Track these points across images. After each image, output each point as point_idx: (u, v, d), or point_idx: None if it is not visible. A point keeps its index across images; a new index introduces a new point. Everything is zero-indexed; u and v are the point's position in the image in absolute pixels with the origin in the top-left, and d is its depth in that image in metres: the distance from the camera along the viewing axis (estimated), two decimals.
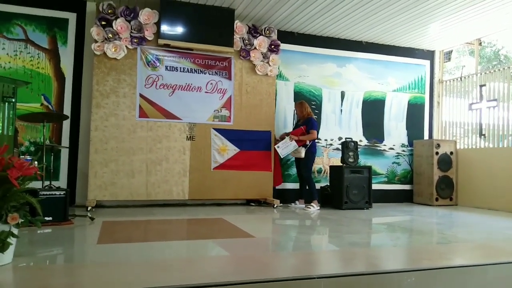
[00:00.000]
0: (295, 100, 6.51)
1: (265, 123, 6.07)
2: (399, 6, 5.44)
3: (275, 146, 5.87)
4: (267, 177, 6.01)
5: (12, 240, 2.43)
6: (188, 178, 5.60)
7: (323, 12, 5.73)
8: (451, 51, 7.42)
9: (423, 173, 6.91)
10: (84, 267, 2.61)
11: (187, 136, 5.62)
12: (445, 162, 6.76)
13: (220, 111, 5.87)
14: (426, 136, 7.34)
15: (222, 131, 5.85)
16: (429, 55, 7.41)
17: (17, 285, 2.26)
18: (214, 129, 5.81)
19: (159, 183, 5.43)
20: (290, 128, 6.45)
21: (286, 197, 6.16)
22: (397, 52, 7.16)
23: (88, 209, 4.81)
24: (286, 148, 5.76)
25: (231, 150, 5.89)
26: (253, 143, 6.00)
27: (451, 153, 6.81)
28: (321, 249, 3.52)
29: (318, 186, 5.93)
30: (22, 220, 2.47)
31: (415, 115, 7.29)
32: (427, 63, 7.40)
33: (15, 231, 2.43)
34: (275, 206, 5.74)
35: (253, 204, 6.07)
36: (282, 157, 5.93)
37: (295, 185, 6.33)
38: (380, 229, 4.73)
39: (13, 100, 2.75)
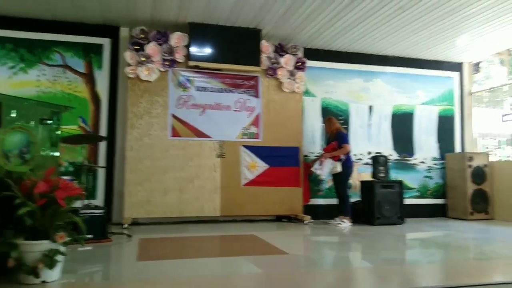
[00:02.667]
0: (322, 116, 6.55)
1: (293, 139, 6.12)
2: (426, 20, 5.44)
3: (312, 169, 5.89)
4: (296, 193, 6.03)
5: (60, 258, 2.56)
6: (219, 195, 5.68)
7: (348, 29, 5.80)
8: (480, 62, 7.31)
9: (457, 186, 6.76)
10: (129, 284, 2.71)
11: (217, 154, 5.73)
12: (479, 175, 6.60)
13: (248, 128, 5.97)
14: (457, 149, 7.21)
15: (251, 148, 5.93)
16: (457, 67, 7.32)
17: None
18: (244, 146, 5.90)
19: (191, 200, 5.54)
20: (318, 144, 6.48)
21: (317, 213, 6.14)
22: (425, 65, 7.12)
23: (124, 226, 4.94)
24: (323, 168, 5.75)
25: (261, 166, 5.95)
26: (282, 159, 6.05)
27: (485, 165, 6.65)
28: (355, 266, 3.51)
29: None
30: (69, 239, 2.60)
31: (445, 128, 7.19)
32: (455, 75, 7.31)
33: (62, 249, 2.56)
34: (305, 222, 5.74)
35: (284, 220, 6.08)
36: (324, 178, 5.94)
37: (325, 201, 6.32)
38: (415, 245, 4.67)
39: (50, 122, 2.91)
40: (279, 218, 6.16)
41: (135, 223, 5.36)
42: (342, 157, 5.75)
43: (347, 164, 5.80)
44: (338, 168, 5.71)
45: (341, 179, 5.79)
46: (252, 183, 5.88)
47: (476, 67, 7.37)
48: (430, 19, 5.42)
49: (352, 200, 6.30)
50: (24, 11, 5.27)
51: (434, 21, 5.50)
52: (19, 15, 5.40)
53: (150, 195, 5.37)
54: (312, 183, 6.38)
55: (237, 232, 4.97)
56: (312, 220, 5.84)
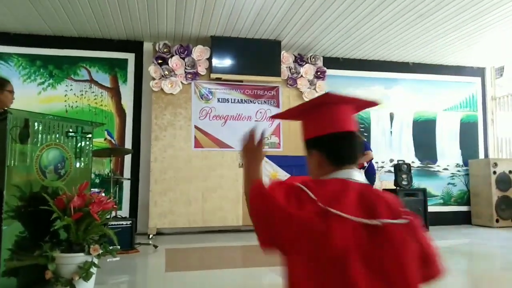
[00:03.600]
0: None
1: None
2: (447, 27, 5.42)
3: None
4: None
5: (94, 270, 2.66)
6: (242, 205, 5.75)
7: (368, 37, 5.82)
8: (503, 67, 7.20)
9: (481, 193, 6.66)
10: None
11: (239, 164, 5.81)
12: (504, 181, 6.49)
13: (270, 138, 6.03)
14: (481, 155, 7.10)
15: (273, 158, 5.99)
16: (479, 72, 7.24)
17: None
18: (265, 156, 5.94)
19: (214, 210, 5.62)
20: None
21: None
22: (446, 71, 7.06)
23: (150, 236, 5.05)
24: None
25: (282, 176, 5.99)
26: (303, 169, 6.00)
27: (510, 171, 6.53)
28: None
29: None
30: (102, 251, 2.70)
31: (468, 134, 7.10)
32: (477, 80, 7.23)
33: (96, 261, 2.66)
34: None
35: None
36: None
37: None
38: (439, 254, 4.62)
39: (75, 135, 3.03)
40: None
41: (159, 233, 5.46)
42: (365, 164, 5.73)
43: (370, 172, 5.77)
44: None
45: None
46: None
47: (500, 71, 7.27)
48: (451, 25, 5.40)
49: None
50: (53, 29, 5.48)
51: (455, 28, 5.47)
52: (48, 33, 5.62)
53: (174, 205, 5.48)
54: None
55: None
56: None
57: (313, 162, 1.20)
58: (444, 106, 7.05)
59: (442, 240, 5.37)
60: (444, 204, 6.85)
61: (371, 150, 5.80)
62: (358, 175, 1.13)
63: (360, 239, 0.97)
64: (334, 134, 1.16)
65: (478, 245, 4.97)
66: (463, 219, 6.85)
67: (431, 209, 6.33)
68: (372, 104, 1.31)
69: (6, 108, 3.02)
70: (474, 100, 7.20)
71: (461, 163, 7.01)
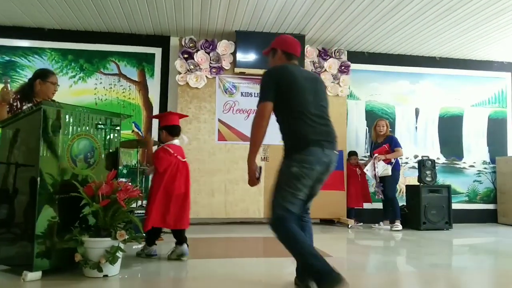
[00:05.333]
0: (366, 119, 6.54)
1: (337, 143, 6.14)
2: (475, 20, 5.31)
3: (364, 170, 5.85)
4: (340, 197, 6.06)
5: (120, 254, 2.80)
6: (263, 197, 5.83)
7: (394, 31, 5.76)
8: None
9: (508, 191, 6.50)
10: (179, 281, 2.91)
11: (261, 157, 5.89)
12: None
13: None
14: (510, 153, 6.92)
15: None
16: (509, 67, 7.04)
17: None
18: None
19: (236, 202, 5.73)
20: (362, 147, 6.46)
21: (358, 218, 6.14)
22: (474, 66, 6.90)
23: None
24: (375, 169, 5.67)
25: None
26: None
27: None
28: (399, 270, 3.53)
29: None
30: (127, 237, 2.84)
31: (496, 130, 6.93)
32: (507, 75, 7.03)
33: (122, 246, 2.80)
34: (350, 226, 5.76)
35: (339, 224, 6.10)
36: (378, 179, 5.71)
37: (367, 205, 6.29)
38: (462, 251, 4.58)
39: (104, 127, 3.16)
40: (323, 222, 6.21)
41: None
42: (392, 160, 5.71)
43: (396, 168, 5.75)
44: (389, 171, 5.65)
45: (390, 183, 5.71)
46: None
47: None
48: (480, 19, 5.29)
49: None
50: (84, 25, 5.69)
51: (483, 21, 5.35)
52: (80, 29, 5.84)
53: (198, 196, 5.62)
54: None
55: None
56: (361, 224, 5.85)
57: (163, 136, 3.51)
58: (472, 101, 6.90)
59: (467, 238, 5.31)
60: (470, 201, 6.73)
61: (401, 147, 5.75)
62: (177, 141, 3.54)
63: (179, 164, 3.46)
64: (172, 125, 3.53)
65: (504, 243, 4.88)
66: (489, 217, 6.72)
67: (455, 206, 6.24)
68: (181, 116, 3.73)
69: (40, 100, 3.20)
70: (504, 95, 7.01)
71: (488, 160, 6.86)
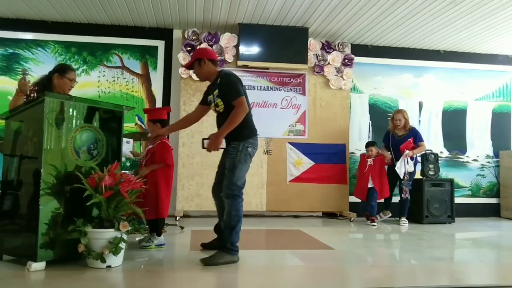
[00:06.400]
0: (370, 113, 6.52)
1: (340, 136, 6.15)
2: (481, 13, 5.26)
3: (396, 168, 5.46)
4: (343, 190, 6.07)
5: (123, 245, 2.82)
6: (266, 191, 5.84)
7: (398, 24, 5.72)
8: None
9: (511, 186, 6.50)
10: (183, 271, 2.93)
11: (264, 150, 5.89)
12: None
13: (295, 125, 6.07)
14: None
15: (297, 145, 6.04)
16: None
17: (128, 284, 2.63)
18: (290, 143, 6.02)
19: None
20: (364, 141, 6.44)
21: (361, 211, 6.12)
22: (478, 59, 6.85)
23: (177, 218, 5.23)
24: (406, 166, 5.41)
25: (306, 163, 6.04)
26: (328, 156, 6.10)
27: None
28: (401, 263, 3.54)
29: (396, 199, 5.82)
30: (130, 228, 2.86)
31: (500, 124, 6.89)
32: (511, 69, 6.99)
33: (125, 237, 2.82)
34: (352, 220, 5.77)
35: (341, 217, 6.03)
36: (408, 177, 5.45)
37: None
38: (464, 245, 4.58)
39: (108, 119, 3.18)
40: (325, 215, 6.22)
41: (186, 215, 5.64)
42: (415, 156, 5.57)
43: (415, 163, 5.64)
44: (412, 167, 5.48)
45: (411, 176, 5.53)
46: (297, 179, 5.98)
47: None
48: (485, 12, 5.23)
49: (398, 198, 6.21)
50: (87, 17, 5.68)
51: (489, 14, 5.30)
52: (83, 21, 5.83)
53: (201, 189, 5.64)
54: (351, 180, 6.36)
55: (282, 227, 5.11)
56: (378, 221, 5.60)
57: (156, 129, 3.62)
58: (476, 95, 6.87)
59: (468, 231, 5.31)
60: (473, 195, 6.72)
61: (423, 140, 5.66)
62: None
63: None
64: (165, 119, 3.75)
65: (507, 237, 4.88)
66: (492, 211, 6.71)
67: (458, 200, 6.24)
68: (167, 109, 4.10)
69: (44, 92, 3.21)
70: (508, 89, 6.97)
71: (491, 154, 6.83)
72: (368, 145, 5.81)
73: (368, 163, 5.65)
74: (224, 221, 3.17)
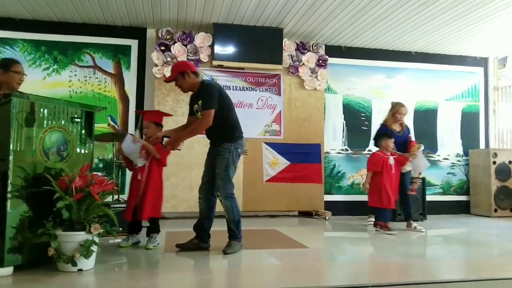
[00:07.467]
0: (344, 113, 6.61)
1: (315, 136, 6.21)
2: (450, 15, 5.41)
3: (412, 166, 5.12)
4: (318, 189, 6.13)
5: (95, 248, 2.76)
6: (242, 191, 5.83)
7: (370, 25, 5.82)
8: (507, 57, 7.17)
9: (480, 183, 6.70)
10: (156, 273, 2.89)
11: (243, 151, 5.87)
12: (504, 171, 6.52)
13: (270, 125, 6.09)
14: (482, 145, 7.12)
15: (273, 145, 6.06)
16: (482, 62, 7.22)
17: (101, 287, 2.57)
18: (265, 143, 6.03)
19: None
20: (339, 141, 6.52)
21: (335, 210, 6.20)
22: (448, 60, 7.05)
23: None
24: (422, 164, 5.15)
25: (282, 163, 6.07)
26: (303, 156, 6.15)
27: (510, 162, 6.56)
28: (375, 260, 3.59)
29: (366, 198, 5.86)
30: (102, 230, 2.80)
31: (469, 124, 7.11)
32: (480, 70, 7.22)
33: (97, 240, 2.76)
34: (327, 218, 5.83)
35: (322, 217, 6.01)
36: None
37: (344, 197, 6.40)
38: (436, 241, 4.69)
39: (79, 121, 3.10)
40: (301, 214, 6.27)
41: (161, 217, 5.55)
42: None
43: None
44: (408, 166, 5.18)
45: (407, 178, 5.18)
46: (274, 179, 6.01)
47: (503, 61, 7.25)
48: (454, 14, 5.38)
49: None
50: (57, 15, 5.53)
51: (458, 16, 5.45)
52: (53, 20, 5.68)
53: (176, 190, 5.58)
54: (333, 180, 6.45)
55: (259, 226, 5.11)
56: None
57: (151, 130, 3.72)
58: (446, 96, 7.06)
59: (440, 228, 5.44)
60: (444, 193, 6.90)
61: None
62: None
63: None
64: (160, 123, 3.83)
65: (476, 233, 5.03)
66: (462, 208, 6.91)
67: (430, 198, 6.39)
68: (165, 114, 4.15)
69: (10, 92, 3.10)
70: (476, 90, 7.20)
71: (461, 153, 7.04)
72: (384, 136, 4.96)
73: (390, 161, 4.87)
74: (228, 218, 3.47)
